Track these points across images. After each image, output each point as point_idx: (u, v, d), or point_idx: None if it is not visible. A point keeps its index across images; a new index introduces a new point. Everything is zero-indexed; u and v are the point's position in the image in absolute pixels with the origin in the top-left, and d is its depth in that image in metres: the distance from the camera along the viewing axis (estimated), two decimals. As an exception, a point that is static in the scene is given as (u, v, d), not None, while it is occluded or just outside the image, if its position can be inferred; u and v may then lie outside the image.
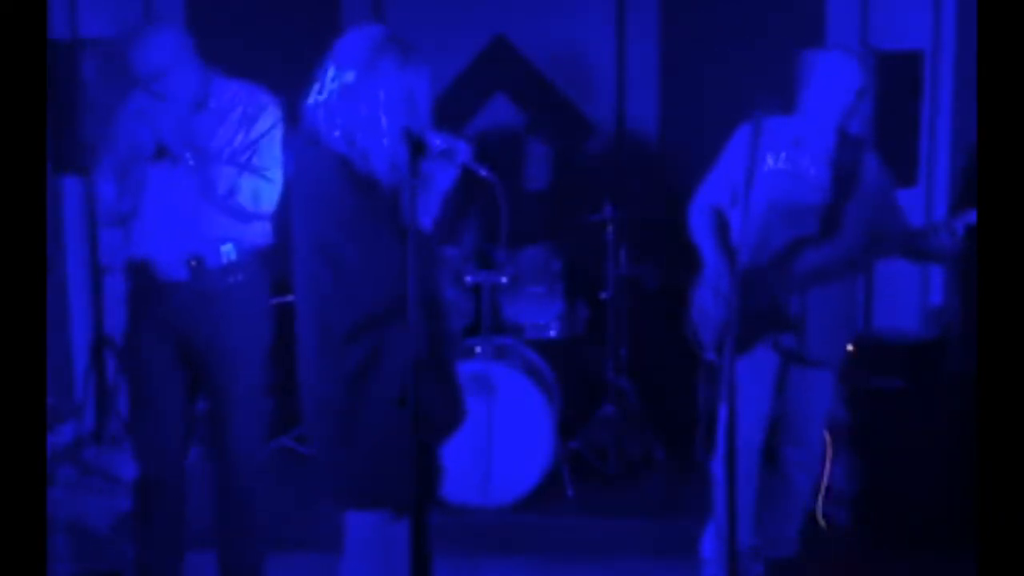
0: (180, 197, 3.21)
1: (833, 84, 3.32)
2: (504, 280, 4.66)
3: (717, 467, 3.58)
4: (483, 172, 2.56)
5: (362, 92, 2.44)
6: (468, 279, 4.68)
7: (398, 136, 2.42)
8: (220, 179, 3.17)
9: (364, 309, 2.45)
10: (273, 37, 5.26)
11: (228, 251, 3.25)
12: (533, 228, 4.86)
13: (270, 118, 3.28)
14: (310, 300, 2.52)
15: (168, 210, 3.23)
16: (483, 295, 4.60)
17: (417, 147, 2.32)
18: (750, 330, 3.29)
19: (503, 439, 4.30)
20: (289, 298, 2.65)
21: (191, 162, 3.16)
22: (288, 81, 3.37)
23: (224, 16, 5.37)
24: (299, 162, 2.52)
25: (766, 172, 3.38)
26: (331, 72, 2.49)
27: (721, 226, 3.51)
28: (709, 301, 3.48)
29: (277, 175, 3.24)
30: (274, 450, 4.85)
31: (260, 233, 3.34)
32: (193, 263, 3.23)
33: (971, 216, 3.16)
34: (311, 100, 2.52)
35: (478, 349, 4.48)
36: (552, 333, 4.82)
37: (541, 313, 4.82)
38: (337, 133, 2.46)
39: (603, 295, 4.80)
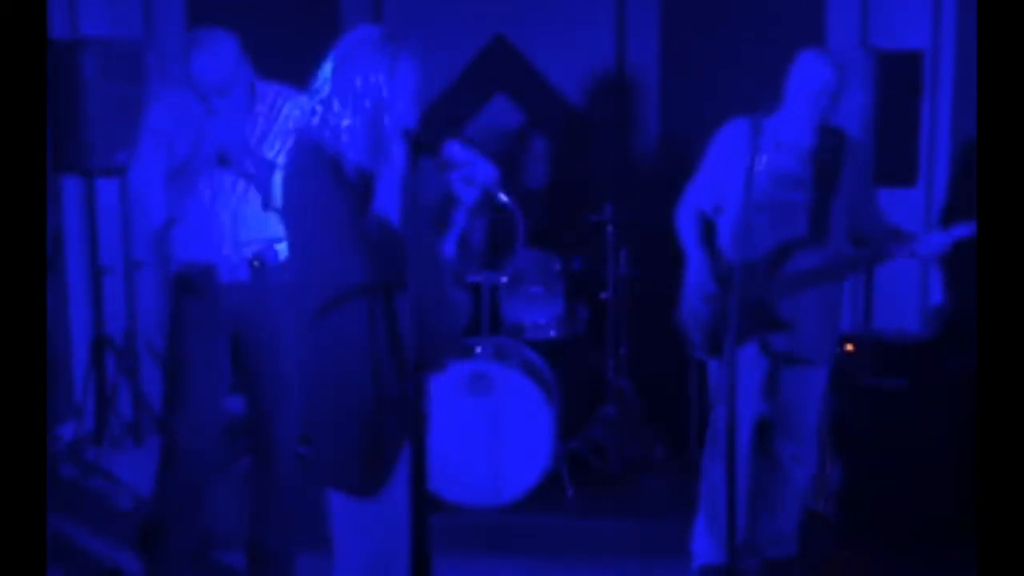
0: (239, 201, 3.28)
1: (806, 84, 3.35)
2: (504, 280, 4.66)
3: (708, 464, 3.60)
4: (504, 199, 2.55)
5: (349, 88, 2.46)
6: (468, 279, 4.68)
7: (378, 132, 2.45)
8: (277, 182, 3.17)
9: (324, 295, 2.47)
10: (273, 38, 5.25)
11: (281, 249, 3.31)
12: (533, 228, 4.85)
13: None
14: (291, 284, 2.60)
15: (228, 214, 3.28)
16: (483, 295, 4.60)
17: (417, 147, 2.34)
18: (739, 330, 3.30)
19: (503, 439, 4.30)
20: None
21: (252, 169, 3.22)
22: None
23: (224, 17, 5.36)
24: (286, 155, 2.57)
25: (752, 174, 3.39)
26: (325, 67, 2.53)
27: (705, 227, 3.56)
28: (696, 300, 3.51)
29: None
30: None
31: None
32: (256, 263, 3.31)
33: (951, 234, 3.26)
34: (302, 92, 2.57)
35: (478, 349, 4.48)
36: (552, 333, 4.82)
37: (541, 313, 4.82)
38: (316, 121, 2.49)
39: (603, 295, 4.80)
